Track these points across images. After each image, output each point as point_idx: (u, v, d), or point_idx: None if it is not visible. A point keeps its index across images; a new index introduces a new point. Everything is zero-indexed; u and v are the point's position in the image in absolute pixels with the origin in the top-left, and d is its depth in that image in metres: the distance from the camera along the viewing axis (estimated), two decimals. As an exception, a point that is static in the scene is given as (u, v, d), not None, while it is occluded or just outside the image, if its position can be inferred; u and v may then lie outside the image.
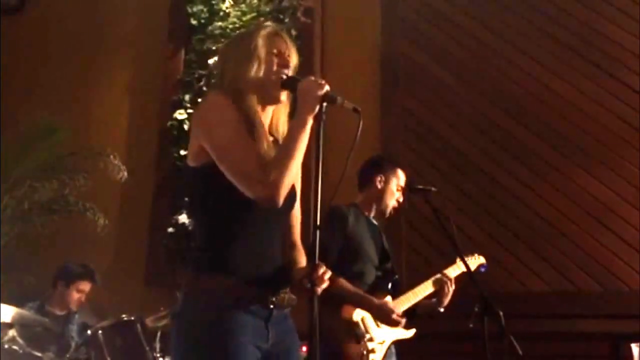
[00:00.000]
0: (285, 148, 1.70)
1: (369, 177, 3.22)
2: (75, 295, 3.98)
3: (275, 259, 1.77)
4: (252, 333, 1.67)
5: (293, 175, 1.69)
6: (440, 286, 3.09)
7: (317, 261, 1.62)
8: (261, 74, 1.79)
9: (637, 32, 4.48)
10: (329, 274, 1.65)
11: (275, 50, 1.82)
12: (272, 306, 1.71)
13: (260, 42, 1.81)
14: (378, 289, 3.06)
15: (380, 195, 3.19)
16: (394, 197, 3.20)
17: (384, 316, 2.93)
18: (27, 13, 5.54)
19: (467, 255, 3.25)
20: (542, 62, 4.60)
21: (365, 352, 2.84)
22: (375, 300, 2.95)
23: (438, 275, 3.13)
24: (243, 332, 1.65)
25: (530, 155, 4.47)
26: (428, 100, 4.72)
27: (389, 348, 3.02)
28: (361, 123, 1.69)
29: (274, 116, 1.88)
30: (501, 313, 2.50)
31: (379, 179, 3.19)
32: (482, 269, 3.35)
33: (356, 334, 2.89)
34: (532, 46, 4.65)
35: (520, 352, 2.44)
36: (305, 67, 4.80)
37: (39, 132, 4.54)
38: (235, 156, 1.68)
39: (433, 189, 3.03)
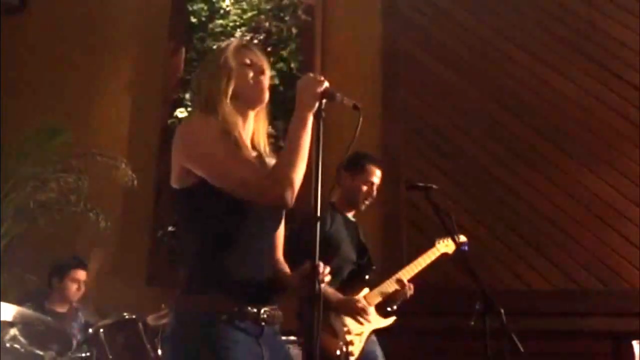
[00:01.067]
0: (290, 147, 1.69)
1: (338, 174, 3.27)
2: (73, 287, 3.95)
3: (264, 276, 1.77)
4: (245, 350, 1.67)
5: (302, 174, 1.68)
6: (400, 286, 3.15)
7: (317, 258, 1.62)
8: (235, 83, 1.81)
9: (638, 29, 4.47)
10: (328, 269, 1.67)
11: (247, 61, 1.84)
12: (263, 323, 1.71)
13: (230, 55, 1.83)
14: (354, 282, 3.15)
15: (348, 192, 3.27)
16: (361, 193, 3.25)
17: (348, 310, 3.00)
18: (29, 13, 5.54)
19: (443, 238, 3.33)
20: (543, 59, 4.59)
21: (343, 345, 2.92)
22: (338, 296, 3.00)
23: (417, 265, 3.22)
24: (236, 348, 1.65)
25: (531, 152, 4.46)
26: (429, 97, 4.72)
27: (368, 337, 3.08)
28: (361, 120, 1.69)
29: (255, 129, 1.88)
30: (502, 311, 2.51)
31: (344, 176, 3.26)
32: (463, 248, 3.35)
33: (333, 329, 2.96)
34: (533, 43, 4.64)
35: (522, 350, 2.44)
36: (306, 65, 4.84)
37: (41, 132, 4.54)
38: (236, 168, 1.68)
39: (434, 186, 3.03)
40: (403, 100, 4.73)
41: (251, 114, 1.86)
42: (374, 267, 3.27)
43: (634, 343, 3.51)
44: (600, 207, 4.28)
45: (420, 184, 3.11)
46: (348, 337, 2.98)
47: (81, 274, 4.00)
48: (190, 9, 5.23)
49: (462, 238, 3.37)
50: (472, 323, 2.66)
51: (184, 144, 1.75)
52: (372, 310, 3.11)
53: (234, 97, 1.81)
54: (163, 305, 3.57)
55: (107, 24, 5.38)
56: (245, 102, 1.82)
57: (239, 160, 1.70)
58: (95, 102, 5.25)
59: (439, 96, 4.70)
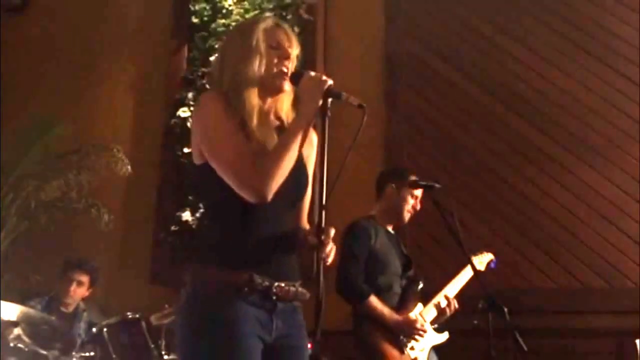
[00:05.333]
0: (283, 143, 1.70)
1: (382, 187, 3.22)
2: (71, 286, 3.92)
3: (281, 251, 1.76)
4: (255, 324, 1.67)
5: (286, 171, 1.68)
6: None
7: (319, 249, 1.60)
8: (262, 68, 1.79)
9: (638, 25, 4.46)
10: (332, 231, 1.64)
11: (274, 43, 1.82)
12: (274, 298, 1.70)
13: (261, 36, 1.81)
14: (407, 298, 3.08)
15: (394, 205, 3.17)
16: (408, 205, 3.17)
17: (407, 332, 2.94)
18: (31, 12, 5.54)
19: (475, 254, 3.27)
20: (545, 56, 4.59)
21: None
22: (394, 318, 2.94)
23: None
24: (245, 322, 1.66)
25: (534, 150, 4.46)
26: (431, 96, 4.71)
27: (429, 352, 3.05)
28: (365, 119, 1.69)
29: (277, 105, 1.87)
30: (506, 309, 2.51)
31: (390, 188, 3.18)
32: (492, 266, 3.35)
33: (398, 345, 2.92)
34: (535, 40, 4.64)
35: (525, 348, 2.44)
36: (308, 64, 4.83)
37: (39, 127, 4.54)
38: (225, 156, 1.70)
39: (437, 185, 3.03)
40: (405, 99, 4.73)
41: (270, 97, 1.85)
42: (420, 281, 3.18)
43: (638, 341, 3.51)
44: (603, 205, 4.27)
45: (423, 182, 3.11)
46: (412, 354, 2.94)
47: (79, 275, 3.95)
48: (192, 8, 5.23)
49: (490, 256, 3.36)
50: (476, 322, 2.67)
51: (196, 122, 1.80)
52: (428, 326, 3.05)
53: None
54: (166, 305, 3.57)
55: (110, 24, 5.38)
56: (264, 88, 1.81)
57: (235, 151, 1.69)
58: (98, 102, 5.25)
59: (442, 94, 4.70)
